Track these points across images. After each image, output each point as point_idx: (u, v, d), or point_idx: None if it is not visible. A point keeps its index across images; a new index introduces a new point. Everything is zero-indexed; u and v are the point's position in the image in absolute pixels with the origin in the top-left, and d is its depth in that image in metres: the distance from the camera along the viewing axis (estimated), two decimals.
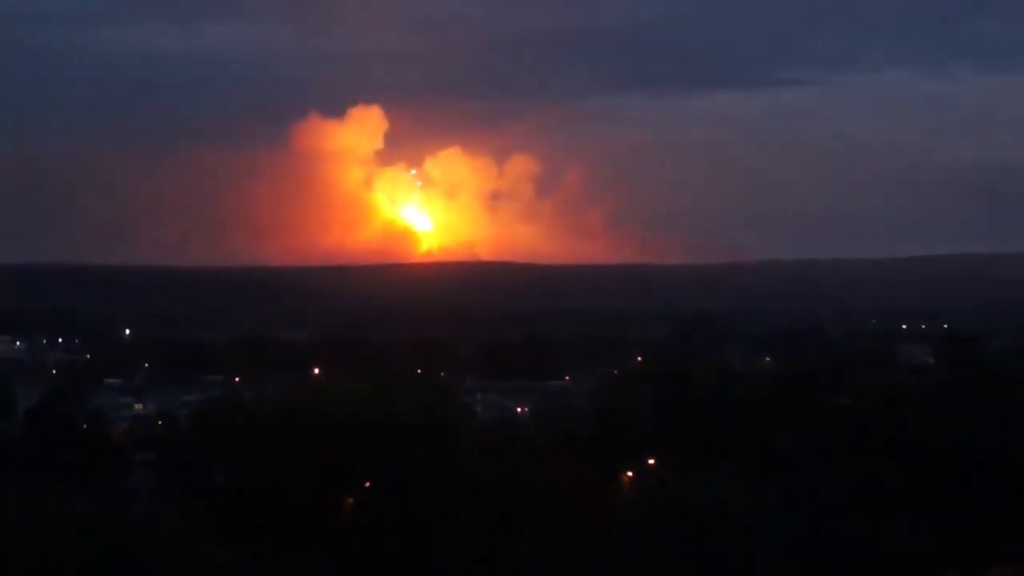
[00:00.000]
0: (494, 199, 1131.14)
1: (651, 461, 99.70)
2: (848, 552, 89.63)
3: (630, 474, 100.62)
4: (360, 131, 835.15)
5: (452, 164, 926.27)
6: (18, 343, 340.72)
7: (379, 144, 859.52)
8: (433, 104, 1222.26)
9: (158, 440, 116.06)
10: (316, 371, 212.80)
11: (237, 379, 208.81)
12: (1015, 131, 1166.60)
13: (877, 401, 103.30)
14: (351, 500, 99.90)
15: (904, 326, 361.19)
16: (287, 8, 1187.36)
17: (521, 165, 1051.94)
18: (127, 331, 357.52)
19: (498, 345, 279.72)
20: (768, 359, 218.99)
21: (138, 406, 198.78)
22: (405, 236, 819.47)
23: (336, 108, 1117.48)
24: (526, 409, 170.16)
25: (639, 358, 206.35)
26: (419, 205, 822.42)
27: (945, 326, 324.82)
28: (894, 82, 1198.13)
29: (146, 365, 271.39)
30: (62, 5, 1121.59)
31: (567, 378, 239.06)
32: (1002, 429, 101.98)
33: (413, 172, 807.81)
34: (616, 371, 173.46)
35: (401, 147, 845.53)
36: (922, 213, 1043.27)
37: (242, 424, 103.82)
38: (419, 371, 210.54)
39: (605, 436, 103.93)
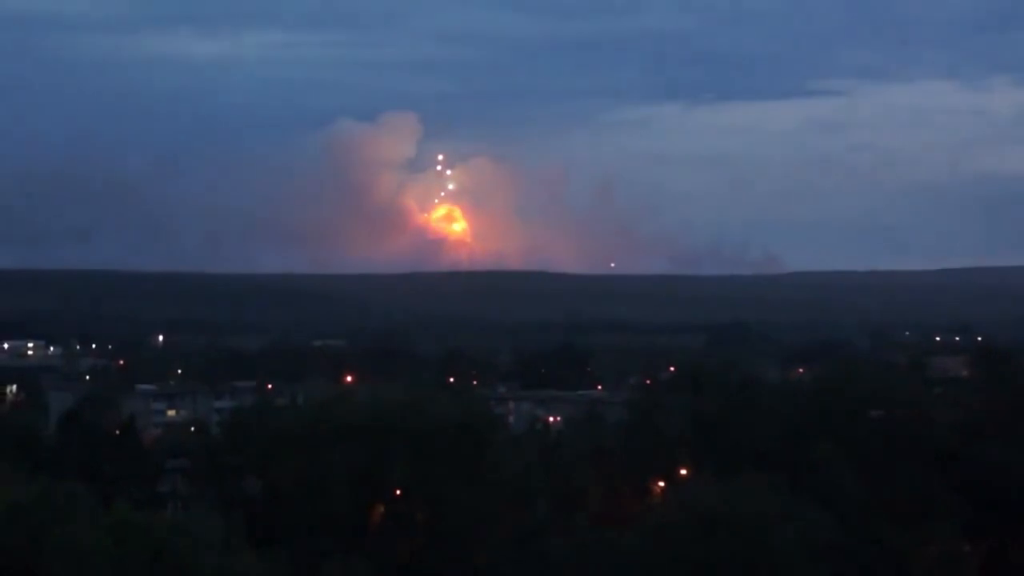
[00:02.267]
0: (526, 208, 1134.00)
1: (683, 471, 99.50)
2: (884, 561, 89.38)
3: (662, 484, 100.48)
4: (393, 139, 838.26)
5: (484, 173, 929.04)
6: (52, 348, 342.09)
7: (412, 152, 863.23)
8: (466, 113, 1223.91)
9: (190, 446, 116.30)
10: (348, 379, 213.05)
11: (269, 386, 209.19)
12: None
13: (910, 412, 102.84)
14: (381, 507, 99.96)
15: (937, 338, 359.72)
16: (322, 17, 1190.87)
17: (554, 175, 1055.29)
18: (160, 338, 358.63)
19: (530, 354, 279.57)
20: (801, 370, 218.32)
21: (171, 412, 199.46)
22: (437, 245, 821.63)
23: (370, 115, 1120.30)
24: (558, 418, 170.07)
25: (671, 368, 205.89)
26: (451, 214, 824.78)
27: (979, 338, 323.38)
28: (930, 94, 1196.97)
29: (179, 372, 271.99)
30: (94, 13, 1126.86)
31: (599, 388, 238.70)
32: None
33: (439, 159, 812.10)
34: (648, 381, 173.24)
35: (433, 155, 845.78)
36: (957, 225, 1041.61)
37: (274, 431, 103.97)
38: (451, 379, 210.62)
39: (637, 446, 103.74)
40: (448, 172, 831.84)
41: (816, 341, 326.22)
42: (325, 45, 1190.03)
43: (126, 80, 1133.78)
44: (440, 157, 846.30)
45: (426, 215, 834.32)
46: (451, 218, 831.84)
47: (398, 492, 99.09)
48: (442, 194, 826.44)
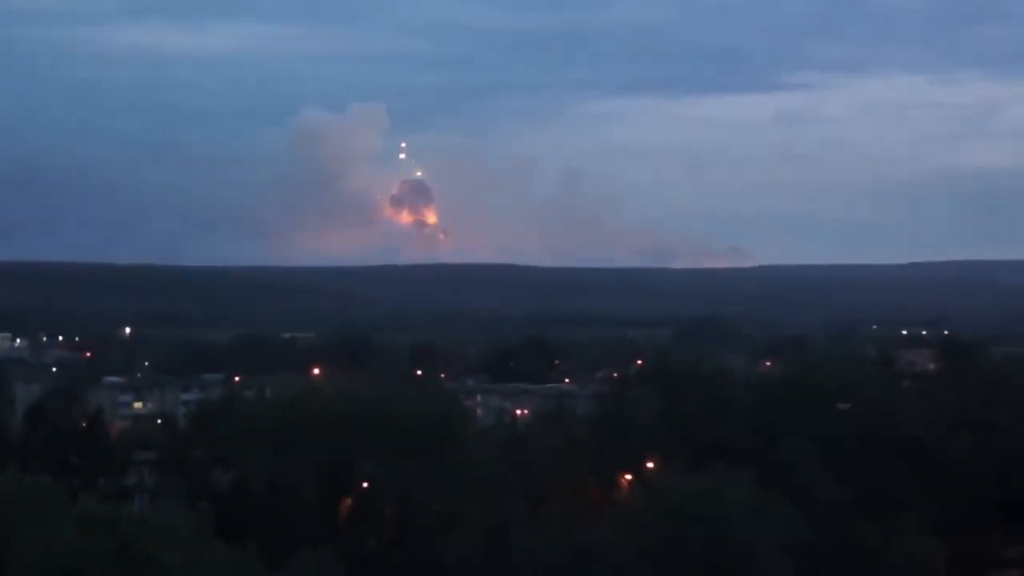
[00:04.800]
0: (496, 201, 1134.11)
1: (652, 465, 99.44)
2: (852, 557, 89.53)
3: (630, 478, 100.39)
4: (363, 131, 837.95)
5: (455, 165, 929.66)
6: (18, 341, 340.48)
7: (382, 144, 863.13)
8: (438, 105, 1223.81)
9: (157, 439, 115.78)
10: (316, 371, 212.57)
11: (237, 379, 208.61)
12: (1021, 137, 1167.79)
13: (878, 406, 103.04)
14: (350, 500, 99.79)
15: (904, 332, 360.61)
16: (294, 9, 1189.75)
17: (525, 167, 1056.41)
18: (127, 329, 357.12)
19: (499, 347, 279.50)
20: (769, 363, 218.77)
21: (138, 405, 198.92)
22: (406, 237, 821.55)
23: (340, 107, 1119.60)
24: (526, 411, 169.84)
25: (639, 361, 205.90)
26: (422, 206, 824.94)
27: (946, 332, 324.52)
28: (901, 88, 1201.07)
29: (146, 364, 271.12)
30: (67, 3, 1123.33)
31: (567, 381, 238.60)
32: (1003, 435, 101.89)
33: (402, 146, 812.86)
34: (617, 374, 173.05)
35: (404, 148, 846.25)
36: (926, 219, 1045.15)
37: (242, 424, 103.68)
38: (419, 372, 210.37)
39: (605, 439, 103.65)
40: (412, 161, 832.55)
41: (785, 335, 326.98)
42: (297, 37, 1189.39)
43: (97, 71, 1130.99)
44: (403, 145, 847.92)
45: (397, 208, 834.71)
46: (421, 210, 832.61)
47: (366, 485, 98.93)
48: (411, 186, 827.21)
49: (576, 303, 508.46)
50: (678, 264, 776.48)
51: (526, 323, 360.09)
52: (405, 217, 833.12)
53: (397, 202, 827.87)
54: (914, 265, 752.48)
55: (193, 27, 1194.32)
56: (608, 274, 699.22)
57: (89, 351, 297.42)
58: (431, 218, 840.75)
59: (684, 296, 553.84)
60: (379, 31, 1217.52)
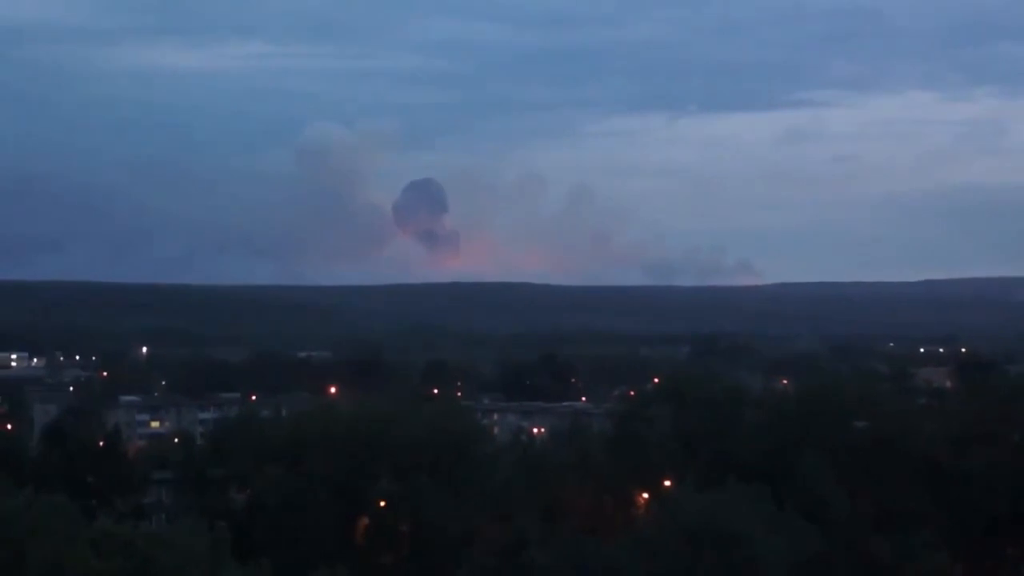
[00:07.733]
0: (509, 219, 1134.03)
1: (667, 482, 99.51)
2: (867, 573, 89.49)
3: (646, 495, 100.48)
4: (375, 150, 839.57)
5: (469, 185, 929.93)
6: (35, 360, 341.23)
7: (394, 163, 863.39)
8: (449, 124, 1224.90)
9: (174, 458, 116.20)
10: (332, 390, 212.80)
11: (253, 397, 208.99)
12: None
13: (895, 424, 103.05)
14: (365, 518, 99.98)
15: (922, 349, 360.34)
16: (304, 28, 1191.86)
17: (534, 185, 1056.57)
18: (144, 349, 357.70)
19: (515, 366, 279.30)
20: (784, 381, 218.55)
21: (155, 424, 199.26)
22: (420, 256, 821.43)
23: (350, 125, 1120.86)
24: (542, 429, 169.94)
25: (655, 379, 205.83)
26: (436, 225, 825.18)
27: (963, 349, 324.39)
28: (913, 105, 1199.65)
29: (163, 383, 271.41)
30: (78, 22, 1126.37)
31: (583, 399, 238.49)
32: (1018, 452, 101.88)
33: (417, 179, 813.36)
34: (632, 392, 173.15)
35: (415, 166, 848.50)
36: (938, 235, 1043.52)
37: (258, 443, 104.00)
38: (435, 391, 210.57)
39: (621, 457, 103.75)
40: (431, 184, 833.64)
41: (800, 352, 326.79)
42: (308, 56, 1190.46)
43: (108, 90, 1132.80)
44: (423, 169, 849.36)
45: (411, 226, 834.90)
46: (436, 229, 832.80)
47: (382, 503, 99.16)
48: (424, 205, 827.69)
49: (588, 321, 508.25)
50: (689, 281, 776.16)
51: (541, 341, 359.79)
52: (417, 228, 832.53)
53: (409, 212, 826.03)
54: (927, 282, 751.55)
55: (203, 46, 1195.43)
56: (620, 291, 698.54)
57: (106, 370, 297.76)
58: (445, 237, 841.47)
59: (696, 314, 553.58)
60: (390, 50, 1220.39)
